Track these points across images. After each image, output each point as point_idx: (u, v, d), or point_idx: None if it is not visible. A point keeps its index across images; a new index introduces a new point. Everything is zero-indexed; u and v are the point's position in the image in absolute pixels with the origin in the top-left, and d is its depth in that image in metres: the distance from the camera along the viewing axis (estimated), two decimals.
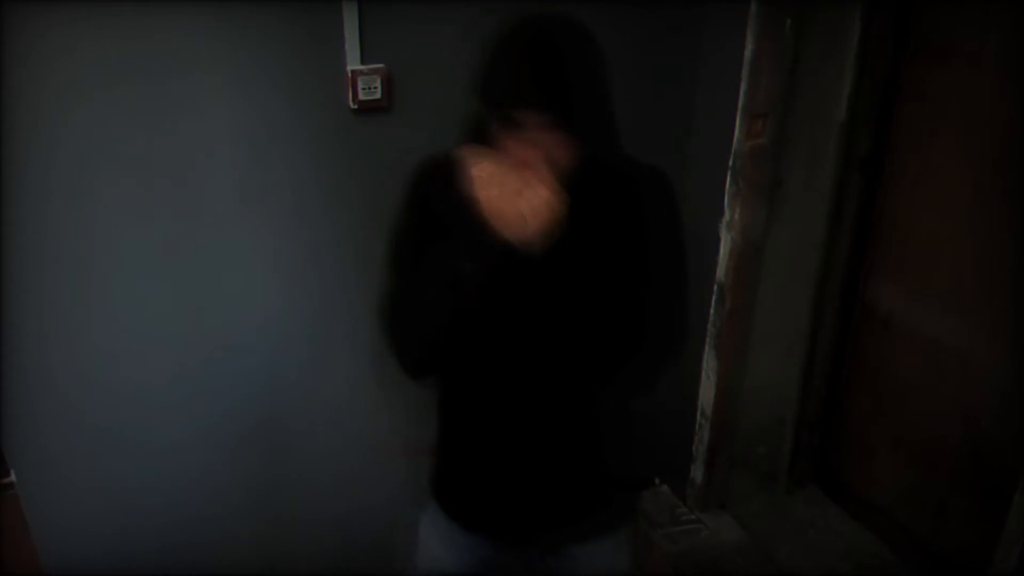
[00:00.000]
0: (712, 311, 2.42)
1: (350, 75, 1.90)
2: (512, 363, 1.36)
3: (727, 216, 2.31)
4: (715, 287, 2.39)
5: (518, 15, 1.22)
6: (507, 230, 1.15)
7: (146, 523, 2.09)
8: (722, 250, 2.35)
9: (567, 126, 1.18)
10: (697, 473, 2.64)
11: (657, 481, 2.80)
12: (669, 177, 1.40)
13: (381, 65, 1.92)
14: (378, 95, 1.94)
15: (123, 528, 2.07)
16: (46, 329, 1.85)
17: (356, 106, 1.93)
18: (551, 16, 1.22)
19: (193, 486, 2.11)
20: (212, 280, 1.97)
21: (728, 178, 2.28)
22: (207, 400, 2.05)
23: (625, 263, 1.30)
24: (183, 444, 2.07)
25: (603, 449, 1.47)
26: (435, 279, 1.25)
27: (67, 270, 1.83)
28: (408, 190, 1.39)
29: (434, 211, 1.32)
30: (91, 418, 1.95)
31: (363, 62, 1.91)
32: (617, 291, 1.29)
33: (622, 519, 1.58)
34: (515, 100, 1.17)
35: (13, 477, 1.89)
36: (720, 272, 2.37)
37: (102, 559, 2.06)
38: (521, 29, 1.21)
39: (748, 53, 2.15)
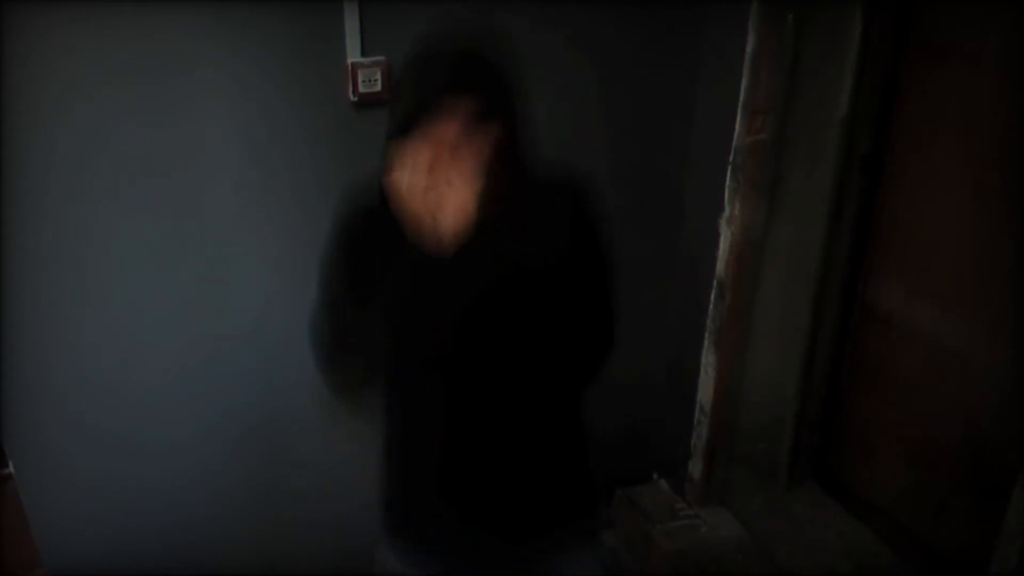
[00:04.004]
0: (712, 308, 2.42)
1: (350, 67, 1.90)
2: (436, 368, 1.34)
3: (727, 212, 2.31)
4: (715, 283, 2.40)
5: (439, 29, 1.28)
6: (418, 230, 1.15)
7: (146, 523, 2.09)
8: (722, 246, 2.35)
9: (476, 108, 1.18)
10: (696, 469, 2.65)
11: (655, 476, 2.81)
12: (589, 185, 1.38)
13: (381, 58, 1.93)
14: (378, 87, 1.94)
15: (123, 528, 2.08)
16: (46, 329, 1.86)
17: (356, 98, 1.93)
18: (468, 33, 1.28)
19: (193, 486, 2.12)
20: (212, 279, 1.97)
21: (728, 174, 2.28)
22: (207, 400, 2.05)
23: (541, 267, 1.28)
24: (183, 444, 2.07)
25: (557, 459, 1.46)
26: (356, 286, 1.27)
27: (67, 269, 1.83)
28: (339, 238, 1.38)
29: (363, 245, 1.33)
30: (91, 418, 1.95)
31: (363, 55, 1.91)
32: (534, 294, 1.28)
33: (588, 538, 1.57)
34: (424, 84, 1.22)
35: (11, 468, 1.89)
36: (720, 268, 2.37)
37: (102, 559, 2.06)
38: (443, 39, 1.28)
39: (749, 49, 2.15)
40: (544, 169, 1.34)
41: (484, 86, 1.20)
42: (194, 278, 1.95)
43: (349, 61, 1.90)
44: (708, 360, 2.49)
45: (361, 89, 1.92)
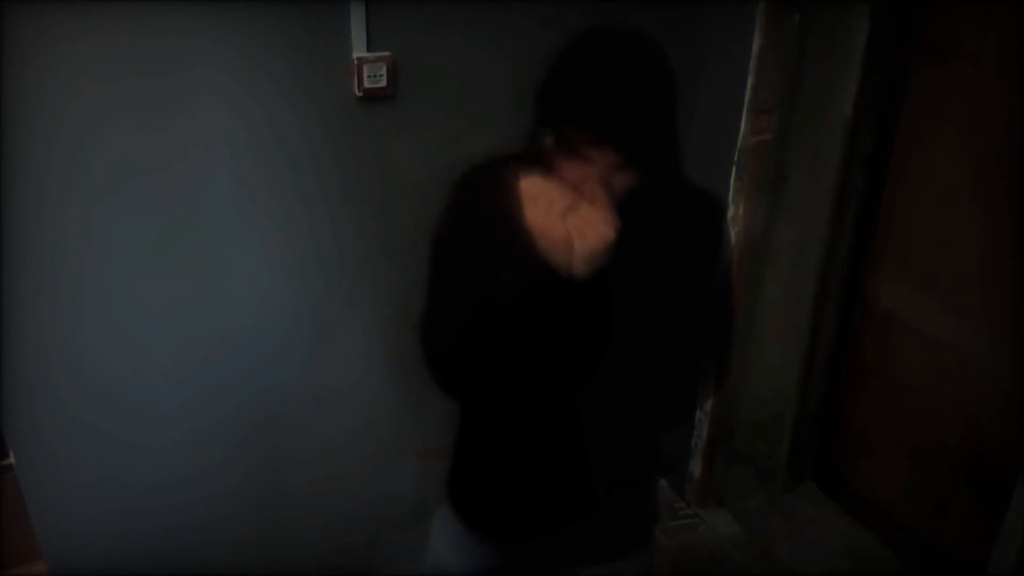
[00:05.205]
0: None
1: (356, 62, 1.89)
2: (544, 378, 1.32)
3: (731, 211, 2.31)
4: None
5: (585, 30, 1.15)
6: (552, 251, 1.09)
7: (146, 523, 2.07)
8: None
9: (631, 155, 1.11)
10: (695, 468, 2.65)
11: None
12: (723, 205, 1.35)
13: (387, 53, 1.91)
14: (383, 83, 1.92)
15: (123, 528, 2.06)
16: (45, 329, 1.83)
17: (361, 94, 1.91)
18: (624, 34, 1.14)
19: (193, 486, 2.10)
20: (212, 279, 1.95)
21: (732, 174, 2.28)
22: (207, 400, 2.03)
23: (669, 291, 1.23)
24: (183, 444, 2.05)
25: (620, 455, 1.45)
26: (473, 294, 1.20)
27: (67, 269, 1.81)
28: (453, 197, 1.31)
29: (479, 223, 1.24)
30: (90, 418, 1.92)
31: (369, 50, 1.89)
32: (657, 318, 1.25)
33: (637, 541, 1.56)
34: (580, 127, 1.10)
35: (12, 459, 1.88)
36: None
37: (102, 558, 2.05)
38: (592, 47, 1.14)
39: (755, 48, 2.15)
40: (676, 189, 1.30)
41: (642, 122, 1.11)
42: (194, 277, 1.93)
43: (354, 56, 1.88)
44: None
45: (366, 84, 1.90)
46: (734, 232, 2.31)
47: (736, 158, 2.25)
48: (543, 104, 1.15)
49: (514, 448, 1.41)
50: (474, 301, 1.20)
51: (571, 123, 1.11)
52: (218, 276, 1.95)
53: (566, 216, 1.08)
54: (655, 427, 1.45)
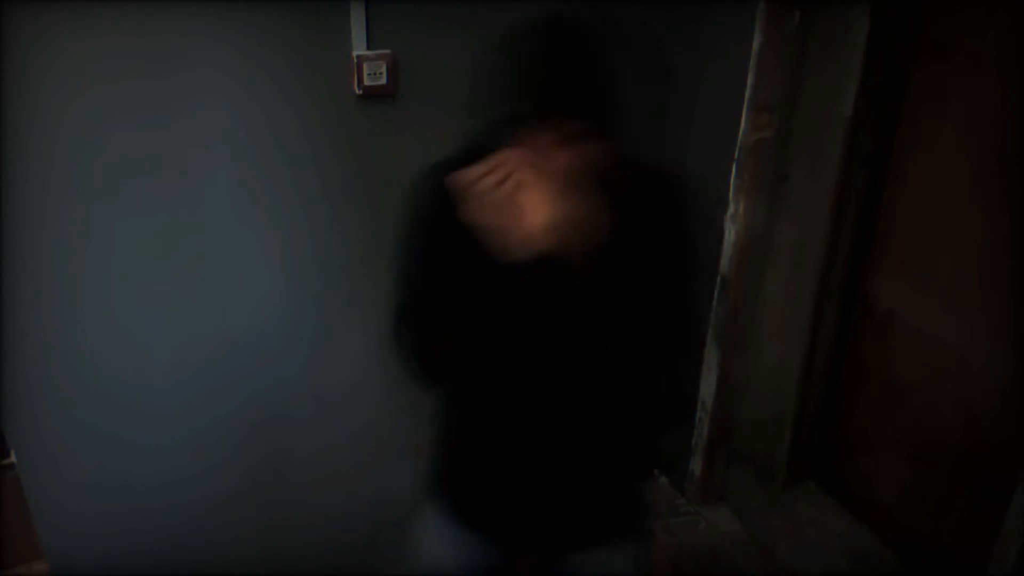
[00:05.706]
0: (715, 304, 2.42)
1: (356, 60, 1.89)
2: (532, 370, 1.33)
3: (731, 209, 2.31)
4: (718, 280, 2.39)
5: (518, 22, 1.20)
6: (536, 240, 1.11)
7: (146, 523, 2.08)
8: (726, 243, 2.35)
9: (591, 132, 1.14)
10: (696, 466, 2.65)
11: (656, 473, 2.81)
12: (678, 179, 1.37)
13: (387, 51, 1.91)
14: (383, 81, 1.92)
15: (123, 528, 2.06)
16: (45, 329, 1.83)
17: (361, 92, 1.92)
18: (556, 21, 1.19)
19: (193, 485, 2.10)
20: (212, 278, 1.95)
21: (733, 172, 2.28)
22: (207, 400, 2.04)
23: (647, 271, 1.26)
24: (183, 444, 2.05)
25: (608, 448, 1.46)
26: (460, 287, 1.20)
27: (66, 268, 1.81)
28: (432, 186, 1.31)
29: (461, 213, 1.24)
30: (90, 418, 1.93)
31: (369, 47, 1.90)
32: (637, 301, 1.26)
33: (628, 526, 1.56)
34: (528, 108, 1.14)
35: (13, 458, 1.88)
36: (723, 265, 2.37)
37: (104, 559, 2.05)
38: (527, 36, 1.19)
39: (755, 47, 2.15)
40: (640, 167, 1.31)
41: (584, 108, 1.15)
42: (194, 277, 1.93)
43: (355, 54, 1.88)
44: (710, 357, 2.49)
45: (366, 82, 1.90)
46: (734, 231, 2.31)
47: (736, 156, 2.25)
48: (495, 95, 1.18)
49: (513, 447, 1.41)
50: (464, 306, 1.21)
51: (547, 114, 1.13)
52: (218, 276, 1.95)
53: (550, 204, 1.10)
54: (654, 423, 1.46)
